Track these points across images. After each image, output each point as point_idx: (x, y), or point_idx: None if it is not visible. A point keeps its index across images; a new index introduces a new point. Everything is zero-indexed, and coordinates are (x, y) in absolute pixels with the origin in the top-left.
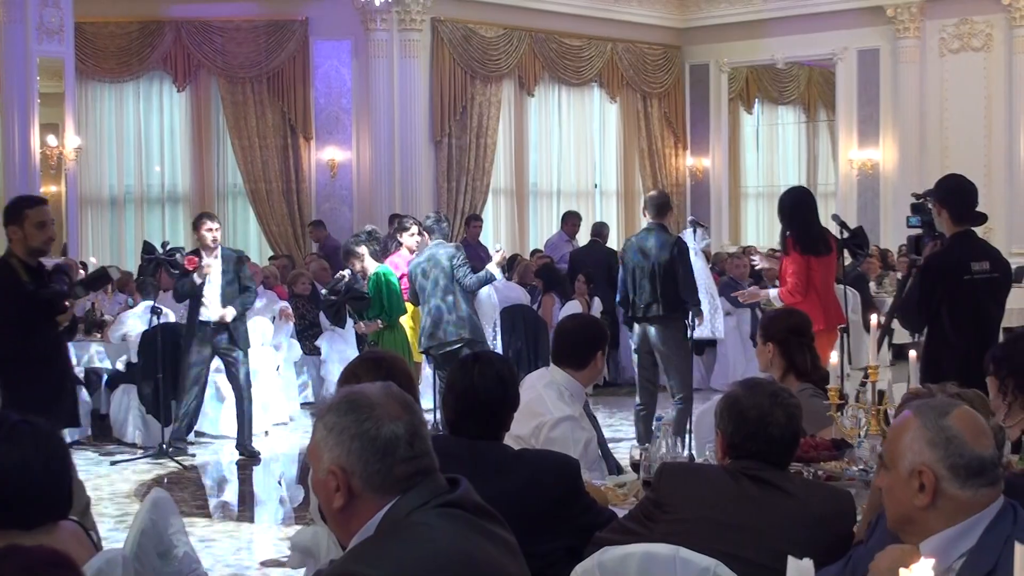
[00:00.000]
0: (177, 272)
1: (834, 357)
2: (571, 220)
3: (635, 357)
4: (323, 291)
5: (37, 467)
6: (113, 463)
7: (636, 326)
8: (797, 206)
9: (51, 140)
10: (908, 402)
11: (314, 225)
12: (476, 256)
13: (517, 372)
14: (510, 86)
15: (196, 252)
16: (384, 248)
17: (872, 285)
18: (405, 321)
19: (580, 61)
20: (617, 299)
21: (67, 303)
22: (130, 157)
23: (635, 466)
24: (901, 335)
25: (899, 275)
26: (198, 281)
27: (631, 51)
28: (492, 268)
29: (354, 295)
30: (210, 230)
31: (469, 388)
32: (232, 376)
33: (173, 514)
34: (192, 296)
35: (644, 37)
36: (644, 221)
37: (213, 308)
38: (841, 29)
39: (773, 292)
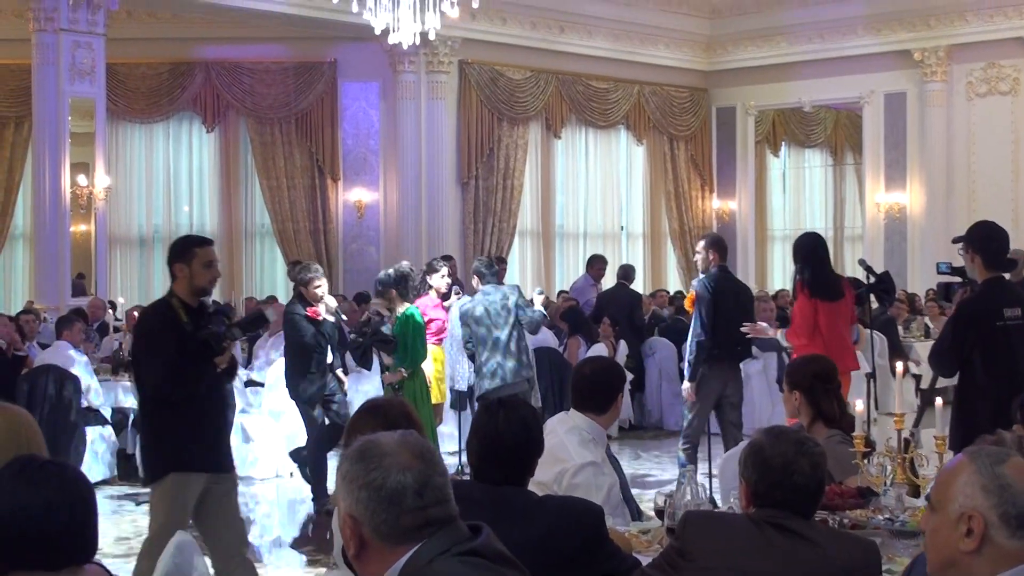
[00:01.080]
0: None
1: (859, 404)
2: (597, 264)
3: (699, 405)
4: (350, 334)
5: (62, 509)
6: (139, 503)
7: (711, 368)
8: (813, 250)
9: (81, 179)
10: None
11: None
12: None
13: (542, 416)
14: (537, 128)
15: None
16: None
17: (900, 330)
18: (431, 363)
19: (607, 103)
20: (700, 341)
21: (225, 345)
22: (159, 197)
23: (659, 513)
24: (929, 380)
25: (927, 319)
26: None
27: (658, 94)
28: (540, 309)
29: (380, 337)
30: (319, 286)
31: (494, 433)
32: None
33: (196, 557)
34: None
35: (671, 80)
36: (704, 263)
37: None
38: (868, 72)
39: (780, 332)
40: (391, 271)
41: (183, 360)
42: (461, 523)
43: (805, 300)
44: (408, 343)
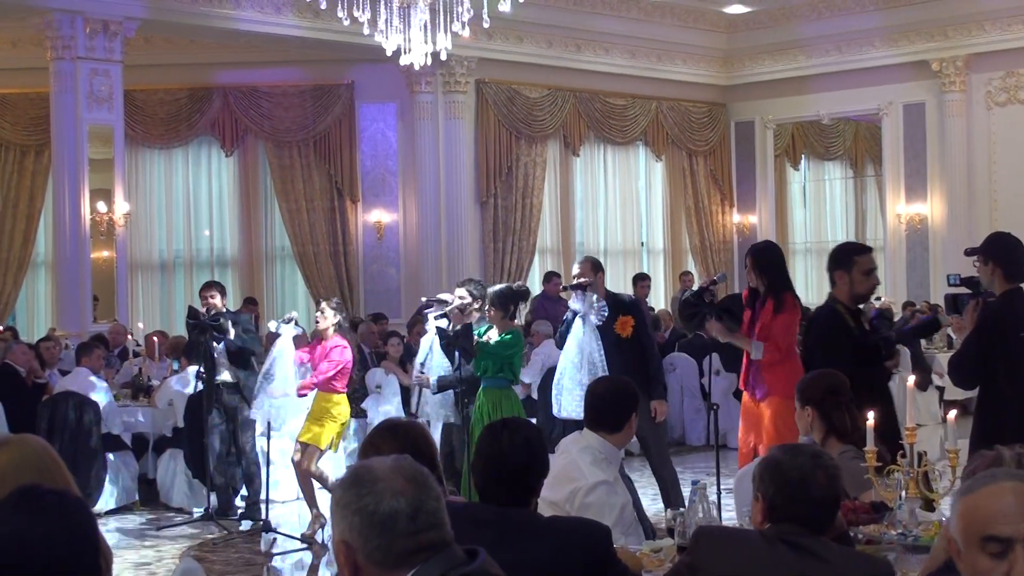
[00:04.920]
0: (221, 336)
1: (871, 419)
2: (641, 283)
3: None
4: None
5: (62, 539)
6: (159, 528)
7: None
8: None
9: (101, 206)
10: (974, 461)
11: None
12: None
13: (546, 437)
14: (555, 146)
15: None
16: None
17: (922, 341)
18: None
19: (625, 120)
20: None
21: (896, 349)
22: (179, 222)
23: (671, 531)
24: (952, 392)
25: (949, 331)
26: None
27: (676, 109)
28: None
29: (464, 344)
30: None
31: (497, 454)
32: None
33: None
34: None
35: (689, 95)
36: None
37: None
38: (886, 84)
39: (755, 345)
40: (502, 287)
41: (855, 364)
42: (457, 548)
43: (794, 316)
44: (511, 360)
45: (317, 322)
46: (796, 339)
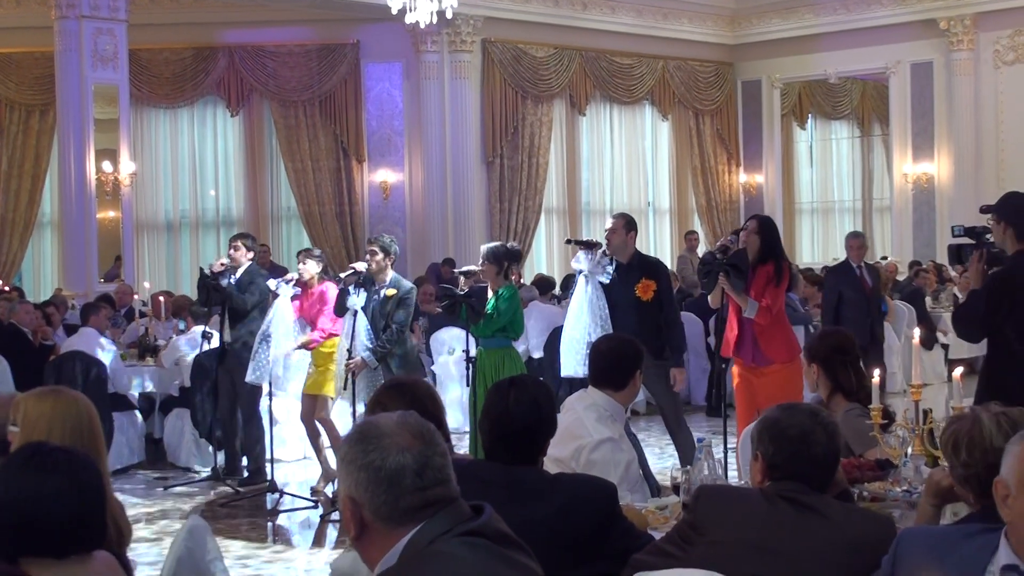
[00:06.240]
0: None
1: (876, 375)
2: (692, 237)
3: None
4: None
5: (70, 496)
6: (167, 488)
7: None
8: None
9: (106, 166)
10: (953, 423)
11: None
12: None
13: (554, 396)
14: (561, 105)
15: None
16: None
17: (928, 300)
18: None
19: (631, 79)
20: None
21: None
22: (185, 182)
23: (676, 488)
24: (957, 350)
25: (955, 290)
26: None
27: (682, 68)
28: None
29: (472, 303)
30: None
31: (504, 413)
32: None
33: (210, 541)
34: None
35: (695, 54)
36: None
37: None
38: (894, 43)
39: (751, 306)
40: (496, 244)
41: None
42: (463, 503)
43: (786, 284)
44: (513, 317)
45: (300, 274)
46: (784, 304)
